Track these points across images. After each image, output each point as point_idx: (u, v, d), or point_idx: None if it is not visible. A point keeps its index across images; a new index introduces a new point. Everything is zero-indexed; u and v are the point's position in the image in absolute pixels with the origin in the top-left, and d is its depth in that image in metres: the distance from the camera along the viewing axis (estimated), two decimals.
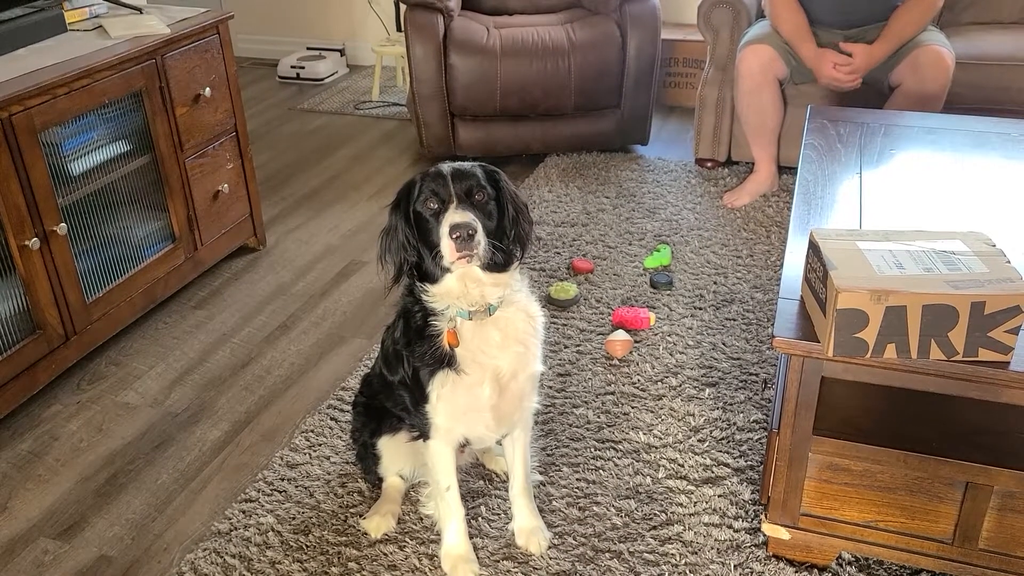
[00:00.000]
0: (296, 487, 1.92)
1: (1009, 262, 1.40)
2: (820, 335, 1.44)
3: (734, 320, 2.48)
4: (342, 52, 4.89)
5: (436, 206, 1.44)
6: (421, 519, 1.82)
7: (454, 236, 1.39)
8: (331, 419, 2.13)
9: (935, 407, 1.61)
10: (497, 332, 1.54)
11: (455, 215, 1.40)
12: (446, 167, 1.47)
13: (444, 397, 1.55)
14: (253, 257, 2.96)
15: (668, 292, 2.63)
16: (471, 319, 1.51)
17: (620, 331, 2.39)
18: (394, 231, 1.50)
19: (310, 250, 3.01)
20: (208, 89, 2.57)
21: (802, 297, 1.56)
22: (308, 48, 4.92)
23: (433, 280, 1.49)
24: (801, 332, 1.48)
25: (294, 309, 2.66)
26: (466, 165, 1.48)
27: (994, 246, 1.44)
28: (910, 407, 1.62)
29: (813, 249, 1.49)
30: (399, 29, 4.43)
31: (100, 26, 2.45)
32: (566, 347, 2.38)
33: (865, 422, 1.60)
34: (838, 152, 2.17)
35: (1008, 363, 1.36)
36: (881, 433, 1.56)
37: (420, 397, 1.59)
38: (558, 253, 2.87)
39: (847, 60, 2.78)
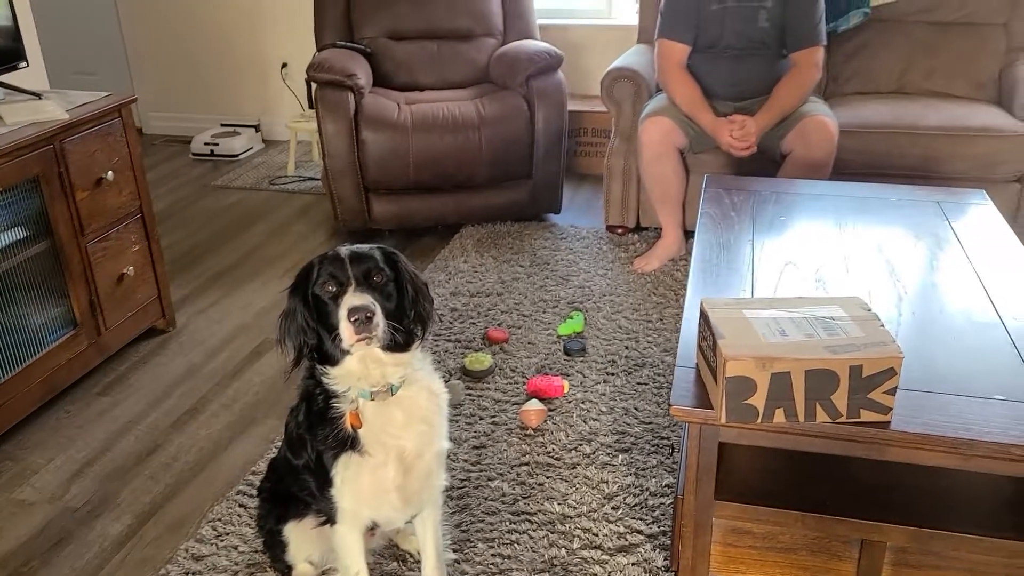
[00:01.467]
0: None
1: (883, 325, 1.47)
2: (714, 402, 1.48)
3: (646, 384, 2.53)
4: (257, 128, 4.89)
5: (334, 289, 1.45)
6: None
7: (352, 319, 1.40)
8: (240, 506, 2.08)
9: (829, 467, 1.66)
10: (400, 412, 1.54)
11: (353, 298, 1.42)
12: (344, 250, 1.49)
13: (348, 480, 1.54)
14: (162, 339, 2.89)
15: (581, 359, 2.67)
16: (373, 399, 1.51)
17: (534, 400, 2.41)
18: (292, 314, 1.50)
19: (222, 329, 2.96)
20: (110, 172, 2.54)
21: (697, 365, 1.61)
22: (222, 124, 4.92)
23: (333, 362, 1.49)
24: (697, 400, 1.52)
25: (204, 391, 2.60)
26: (364, 248, 1.50)
27: (869, 310, 1.52)
28: (806, 468, 1.68)
29: (703, 318, 1.55)
30: (312, 106, 4.46)
31: None
32: (481, 419, 2.39)
33: (765, 485, 1.65)
34: (732, 220, 2.26)
35: (888, 423, 1.42)
36: (781, 495, 1.61)
37: (324, 481, 1.57)
38: (473, 323, 2.89)
39: (741, 124, 2.92)
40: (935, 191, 2.46)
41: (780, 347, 1.42)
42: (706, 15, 3.04)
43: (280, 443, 1.90)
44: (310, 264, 1.50)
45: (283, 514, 1.76)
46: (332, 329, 1.45)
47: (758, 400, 1.43)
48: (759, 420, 1.44)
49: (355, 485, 1.55)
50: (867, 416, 1.43)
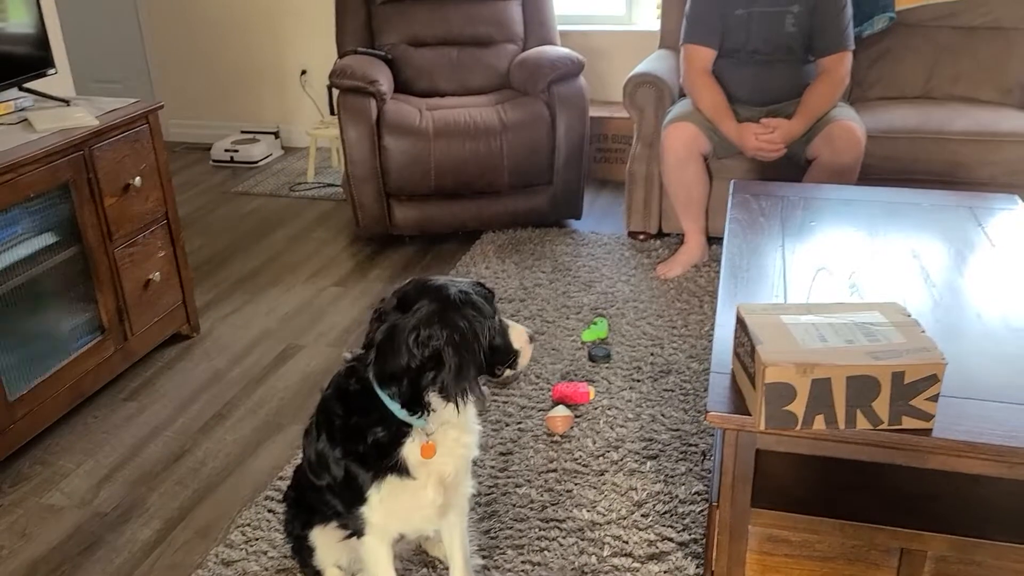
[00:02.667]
0: None
1: (924, 331, 1.46)
2: (751, 408, 1.47)
3: (672, 391, 2.51)
4: (276, 135, 4.91)
5: (498, 321, 1.51)
6: None
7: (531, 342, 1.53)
8: (268, 511, 2.08)
9: (869, 475, 1.64)
10: (447, 437, 1.53)
11: (520, 325, 1.54)
12: (477, 283, 1.52)
13: (385, 499, 1.52)
14: (187, 345, 2.90)
15: (606, 365, 2.66)
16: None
17: (560, 407, 2.40)
18: (467, 345, 1.42)
19: (246, 335, 2.97)
20: (138, 178, 2.55)
21: (733, 371, 1.59)
22: (242, 131, 4.94)
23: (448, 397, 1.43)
24: (734, 406, 1.50)
25: (230, 396, 2.61)
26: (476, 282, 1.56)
27: (909, 316, 1.50)
28: (845, 476, 1.66)
29: (740, 324, 1.53)
30: (332, 112, 4.48)
31: (26, 119, 2.42)
32: (507, 425, 2.38)
33: (802, 492, 1.63)
34: (761, 225, 2.25)
35: (930, 430, 1.40)
36: (818, 503, 1.59)
37: (354, 500, 1.54)
38: None
39: (766, 129, 2.91)
40: (967, 196, 2.44)
41: (821, 353, 1.40)
42: (731, 20, 3.03)
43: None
44: (472, 298, 1.47)
45: (308, 519, 1.74)
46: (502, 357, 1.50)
47: (798, 407, 1.41)
48: (799, 427, 1.42)
49: (391, 504, 1.53)
50: (909, 423, 1.41)
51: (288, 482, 2.11)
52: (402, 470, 1.49)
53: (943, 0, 3.39)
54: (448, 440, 1.52)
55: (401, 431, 1.48)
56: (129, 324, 2.60)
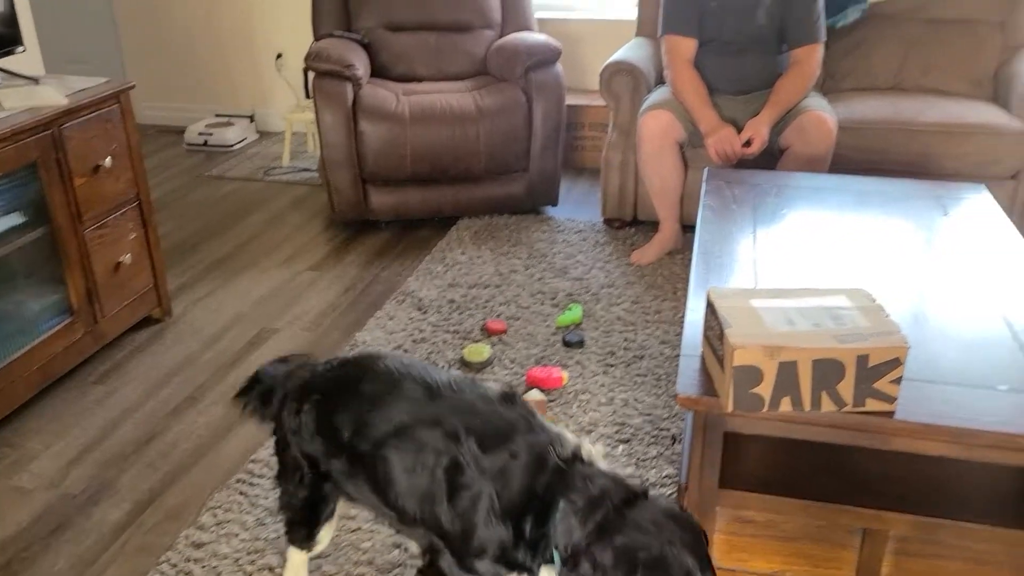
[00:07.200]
0: (202, 567, 1.85)
1: (888, 316, 1.48)
2: (720, 391, 1.49)
3: (644, 376, 2.53)
4: (252, 118, 4.87)
5: None
6: None
7: None
8: (240, 494, 2.07)
9: (831, 457, 1.67)
10: None
11: None
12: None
13: None
14: (158, 328, 2.88)
15: (580, 350, 2.67)
16: None
17: (534, 391, 2.41)
18: None
19: (219, 319, 2.95)
20: (109, 159, 2.53)
21: (703, 354, 1.61)
22: (216, 115, 4.89)
23: None
24: (703, 388, 1.53)
25: (202, 380, 2.59)
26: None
27: (874, 301, 1.53)
28: (808, 458, 1.69)
29: (710, 308, 1.55)
30: (308, 96, 4.44)
31: None
32: None
33: (770, 474, 1.66)
34: (733, 213, 2.27)
35: (893, 412, 1.43)
36: (783, 484, 1.62)
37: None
38: (471, 315, 2.89)
39: (737, 141, 2.93)
40: (935, 185, 2.48)
41: (788, 336, 1.43)
42: (706, 11, 3.04)
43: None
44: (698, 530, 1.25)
45: None
46: None
47: (764, 389, 1.43)
48: (765, 409, 1.45)
49: None
50: (872, 405, 1.43)
51: (261, 467, 2.12)
52: None
53: None
54: None
55: None
56: (99, 306, 2.58)
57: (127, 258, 2.66)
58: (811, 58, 3.00)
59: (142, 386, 2.56)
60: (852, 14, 3.42)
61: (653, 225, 3.42)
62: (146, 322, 2.87)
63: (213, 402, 2.48)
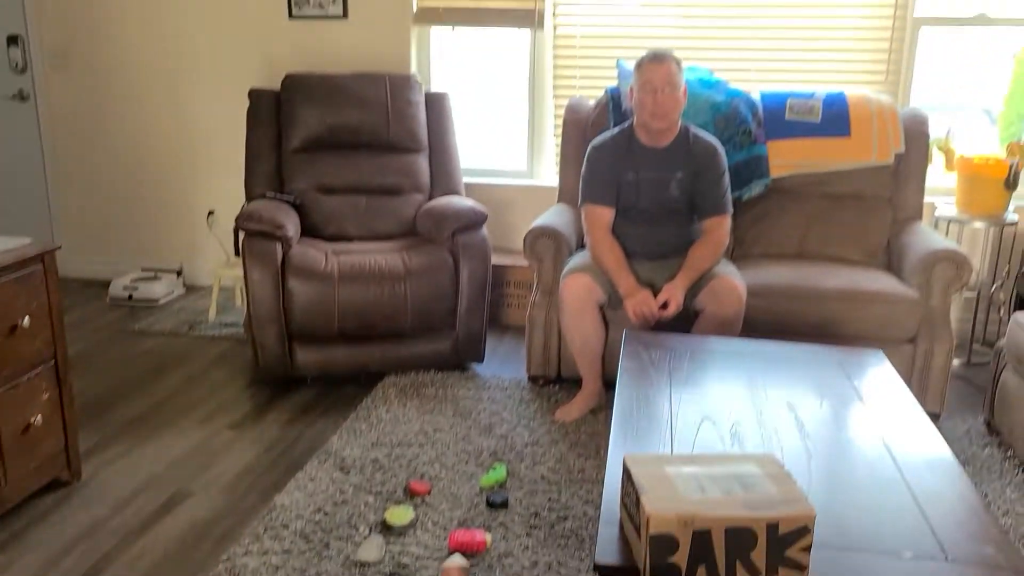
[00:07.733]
0: None
1: (796, 483, 1.54)
2: (638, 560, 1.50)
3: (568, 538, 2.52)
4: (179, 273, 4.87)
5: None
6: None
7: None
8: None
9: None
10: None
11: None
12: None
13: None
14: (65, 492, 2.75)
15: (504, 511, 2.65)
16: None
17: (457, 555, 2.37)
18: None
19: (131, 481, 2.84)
20: (27, 319, 2.49)
21: (621, 520, 1.63)
22: (143, 268, 4.88)
23: None
24: (622, 557, 1.54)
25: (107, 549, 2.46)
26: None
27: (783, 468, 1.59)
28: None
29: (626, 474, 1.59)
30: (238, 253, 4.50)
31: None
32: None
33: None
34: (651, 376, 2.36)
35: None
36: None
37: None
38: (394, 475, 2.85)
39: (653, 304, 3.08)
40: (836, 351, 2.62)
41: (700, 503, 1.47)
42: (623, 181, 3.26)
43: None
44: None
45: None
46: None
47: (680, 558, 1.45)
48: None
49: None
50: (785, 575, 1.47)
51: None
52: None
53: (811, 172, 3.75)
54: None
55: None
56: (3, 472, 2.47)
57: (38, 419, 2.58)
58: (720, 228, 3.22)
59: (41, 557, 2.42)
60: (756, 187, 3.71)
61: (576, 382, 3.49)
62: (53, 485, 2.75)
63: (116, 574, 2.35)
